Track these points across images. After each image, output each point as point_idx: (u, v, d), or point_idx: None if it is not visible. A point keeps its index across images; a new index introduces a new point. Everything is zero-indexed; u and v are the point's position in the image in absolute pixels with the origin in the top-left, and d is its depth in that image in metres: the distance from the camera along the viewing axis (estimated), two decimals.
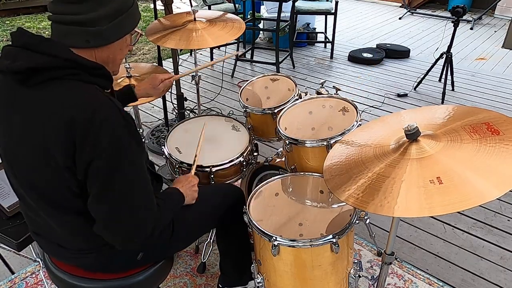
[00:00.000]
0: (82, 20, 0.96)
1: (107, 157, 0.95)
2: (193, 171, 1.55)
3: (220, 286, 1.67)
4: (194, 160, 1.59)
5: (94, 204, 1.00)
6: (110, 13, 0.99)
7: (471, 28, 5.87)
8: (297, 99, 1.81)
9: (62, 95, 0.95)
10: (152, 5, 7.23)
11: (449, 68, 3.71)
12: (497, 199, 0.81)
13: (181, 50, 4.87)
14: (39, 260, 1.83)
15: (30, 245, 1.59)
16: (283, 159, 1.82)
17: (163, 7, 2.54)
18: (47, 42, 0.96)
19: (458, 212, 2.34)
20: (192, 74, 2.36)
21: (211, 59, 4.74)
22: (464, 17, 4.21)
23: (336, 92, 1.86)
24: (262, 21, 5.16)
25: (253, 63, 4.75)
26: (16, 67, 0.93)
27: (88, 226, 1.09)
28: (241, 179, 1.86)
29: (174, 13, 2.39)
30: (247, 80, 2.15)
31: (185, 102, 2.79)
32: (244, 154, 1.73)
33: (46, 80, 0.95)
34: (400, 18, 6.53)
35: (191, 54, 4.89)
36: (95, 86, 1.00)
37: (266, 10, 5.36)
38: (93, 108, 0.94)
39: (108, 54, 1.06)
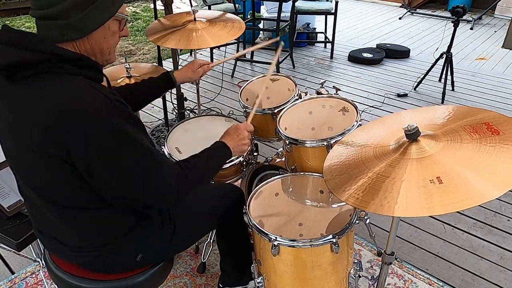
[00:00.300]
0: (53, 14, 0.95)
1: (105, 149, 0.93)
2: (249, 118, 1.49)
3: (221, 286, 1.67)
4: (254, 106, 1.56)
5: (111, 196, 1.03)
6: (78, 3, 0.95)
7: (471, 28, 5.88)
8: (297, 99, 1.80)
9: (48, 89, 0.94)
10: (152, 5, 7.24)
11: (449, 68, 3.71)
12: (497, 199, 0.81)
13: (181, 50, 4.87)
14: (39, 260, 1.83)
15: (30, 245, 1.59)
16: (283, 159, 1.82)
17: (163, 7, 2.54)
18: (30, 38, 0.96)
19: (458, 212, 2.34)
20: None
21: (211, 59, 4.73)
22: (464, 17, 4.22)
23: (336, 92, 1.86)
24: (262, 21, 5.16)
25: (253, 63, 4.75)
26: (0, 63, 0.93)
27: (91, 224, 1.09)
28: (241, 179, 1.86)
29: (174, 13, 2.40)
30: (247, 80, 2.15)
31: (185, 102, 2.79)
32: (244, 154, 1.73)
33: (31, 75, 0.94)
34: (400, 18, 6.53)
35: (191, 54, 4.89)
36: (81, 77, 0.98)
37: (266, 10, 5.36)
38: (79, 100, 0.92)
39: (91, 45, 1.03)
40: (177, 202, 1.10)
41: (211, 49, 4.75)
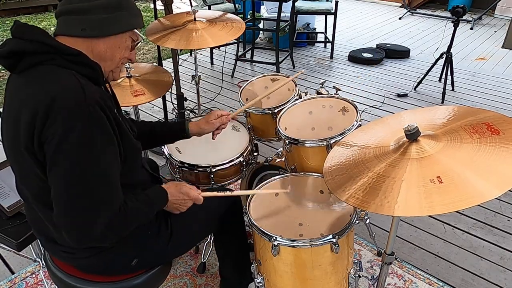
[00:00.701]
0: (77, 8, 1.01)
1: (57, 140, 0.92)
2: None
3: None
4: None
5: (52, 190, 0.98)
6: (104, 4, 1.02)
7: (471, 28, 5.88)
8: (297, 99, 1.81)
9: (39, 80, 0.98)
10: (152, 5, 7.23)
11: (449, 68, 3.71)
12: (497, 199, 0.81)
13: (181, 50, 4.87)
14: (39, 260, 1.83)
15: (30, 245, 1.60)
16: (283, 159, 1.82)
17: (163, 7, 2.54)
18: (30, 29, 1.01)
19: (458, 212, 2.34)
20: (193, 74, 2.36)
21: (211, 59, 4.74)
22: (464, 17, 4.21)
23: (336, 92, 1.86)
24: (262, 21, 5.16)
25: (253, 63, 4.75)
26: (2, 52, 0.98)
27: None
28: (241, 179, 1.86)
29: (174, 13, 2.39)
30: (247, 80, 2.15)
31: (185, 102, 2.79)
32: (244, 154, 1.73)
33: (30, 66, 0.98)
34: (400, 18, 6.53)
35: (191, 54, 4.89)
36: (72, 72, 1.00)
37: (266, 10, 5.36)
38: (56, 92, 0.94)
39: (106, 48, 1.07)
40: (94, 242, 1.02)
41: (211, 49, 4.76)
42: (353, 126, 1.50)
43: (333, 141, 1.47)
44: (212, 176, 1.65)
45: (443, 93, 3.69)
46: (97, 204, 0.98)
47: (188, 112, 3.31)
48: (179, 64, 2.75)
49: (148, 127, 1.48)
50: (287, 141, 1.57)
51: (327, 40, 5.02)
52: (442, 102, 3.68)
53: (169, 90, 2.30)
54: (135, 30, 1.12)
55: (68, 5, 1.02)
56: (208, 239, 1.99)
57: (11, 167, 1.12)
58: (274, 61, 4.15)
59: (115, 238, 1.04)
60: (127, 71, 2.17)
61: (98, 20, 1.02)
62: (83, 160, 0.94)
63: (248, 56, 4.77)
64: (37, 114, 0.92)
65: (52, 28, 5.77)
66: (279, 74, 2.08)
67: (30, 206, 1.14)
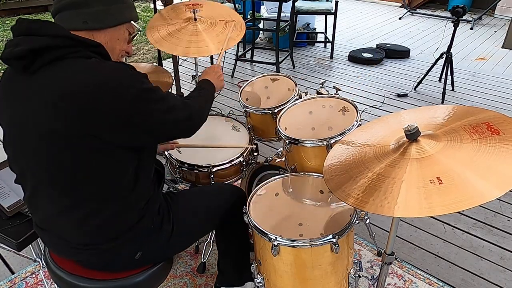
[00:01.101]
0: (76, 2, 1.03)
1: (138, 109, 1.01)
2: (219, 60, 1.78)
3: (218, 285, 1.67)
4: (221, 52, 1.83)
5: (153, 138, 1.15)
6: None
7: (471, 28, 5.88)
8: (297, 99, 1.80)
9: (67, 72, 0.98)
10: (152, 5, 7.23)
11: (449, 68, 3.71)
12: (497, 199, 0.81)
13: None
14: (39, 260, 1.83)
15: (30, 245, 1.59)
16: (283, 159, 1.82)
17: (163, 7, 2.53)
18: (48, 24, 1.01)
19: (458, 212, 2.34)
20: (193, 74, 2.35)
21: (211, 59, 4.73)
22: (464, 17, 4.21)
23: (336, 92, 1.86)
24: (262, 21, 5.16)
25: (253, 63, 4.75)
26: (18, 52, 0.96)
27: (93, 219, 1.10)
28: (241, 179, 1.86)
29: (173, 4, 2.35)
30: (247, 80, 2.15)
31: None
32: (244, 154, 1.73)
33: (49, 62, 0.98)
34: (400, 18, 6.53)
35: None
36: (96, 59, 1.03)
37: (266, 10, 5.36)
38: (104, 73, 0.99)
39: (106, 40, 1.11)
40: (197, 123, 1.24)
41: None
42: (353, 126, 1.50)
43: (333, 141, 1.47)
44: (212, 176, 1.65)
45: (443, 93, 3.69)
46: (179, 108, 1.18)
47: None
48: (179, 64, 2.74)
49: None
50: (287, 141, 1.57)
51: (327, 40, 5.02)
52: (442, 102, 3.68)
53: (169, 90, 2.30)
54: (132, 22, 1.17)
55: (66, 1, 1.04)
56: (208, 239, 1.99)
57: (13, 168, 1.11)
58: (274, 61, 4.15)
59: (202, 111, 1.31)
60: None
61: (98, 12, 1.05)
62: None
63: (248, 56, 4.77)
64: (91, 97, 0.96)
65: None
66: (279, 74, 2.08)
67: (37, 198, 1.14)
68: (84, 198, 1.08)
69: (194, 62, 2.36)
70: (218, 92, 1.57)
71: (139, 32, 1.23)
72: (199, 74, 2.35)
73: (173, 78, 2.29)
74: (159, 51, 2.92)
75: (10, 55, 0.98)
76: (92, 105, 0.96)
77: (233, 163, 1.69)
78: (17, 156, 1.11)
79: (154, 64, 2.74)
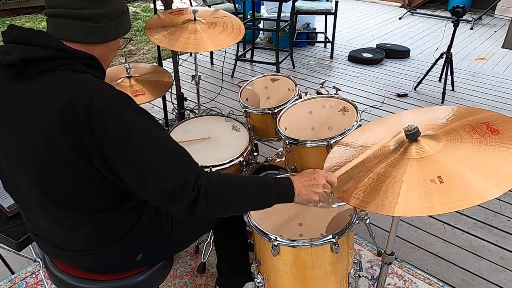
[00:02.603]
0: (88, 15, 1.00)
1: (116, 134, 0.93)
2: (338, 172, 1.11)
3: (217, 287, 1.67)
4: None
5: (133, 183, 0.98)
6: (110, 12, 1.03)
7: (471, 28, 5.88)
8: (297, 99, 1.81)
9: (58, 84, 0.95)
10: (152, 5, 7.23)
11: (449, 68, 3.71)
12: (497, 199, 0.81)
13: None
14: (39, 260, 1.83)
15: (30, 245, 1.59)
16: (283, 159, 1.82)
17: (163, 7, 2.54)
18: (39, 35, 0.98)
19: (458, 212, 2.34)
20: (193, 74, 2.36)
21: (211, 59, 4.74)
22: (464, 17, 4.21)
23: (336, 92, 1.86)
24: (262, 21, 5.16)
25: (253, 63, 4.75)
26: (9, 60, 0.94)
27: (88, 225, 1.09)
28: None
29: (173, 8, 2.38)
30: (247, 80, 2.15)
31: (185, 102, 2.79)
32: (244, 154, 1.73)
33: (41, 72, 0.96)
34: (400, 18, 6.53)
35: (191, 55, 4.89)
36: (89, 75, 1.00)
37: (266, 10, 5.36)
38: (91, 94, 0.93)
39: (104, 52, 1.09)
40: (199, 210, 0.98)
41: None
42: (353, 126, 1.50)
43: (333, 141, 1.47)
44: None
45: (443, 93, 3.69)
46: (175, 164, 0.99)
47: (188, 112, 3.31)
48: (179, 64, 2.74)
49: None
50: (287, 141, 1.57)
51: (327, 40, 5.02)
52: (442, 102, 3.68)
53: (169, 90, 2.30)
54: None
55: (71, 10, 0.98)
56: (208, 239, 1.99)
57: (8, 174, 1.10)
58: (274, 61, 4.15)
59: (222, 200, 1.02)
60: (127, 71, 2.17)
61: (102, 28, 1.03)
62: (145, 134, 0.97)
63: (248, 56, 4.77)
64: (74, 116, 0.91)
65: None
66: (279, 74, 2.08)
67: (29, 211, 1.13)
68: (76, 206, 1.05)
69: (194, 62, 2.36)
70: (298, 200, 1.10)
71: (130, 41, 1.22)
72: (199, 74, 2.36)
73: (173, 78, 2.29)
74: (159, 51, 2.92)
75: (0, 62, 0.95)
76: (75, 123, 0.92)
77: (233, 163, 1.69)
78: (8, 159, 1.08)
79: (154, 64, 2.74)
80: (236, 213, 1.16)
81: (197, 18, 2.07)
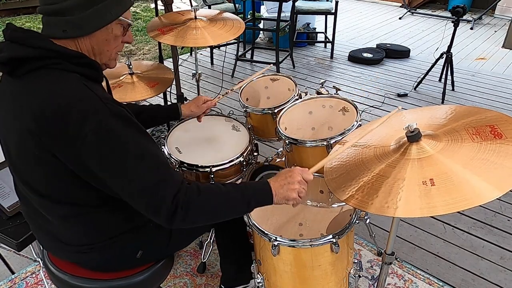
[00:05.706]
0: (58, 10, 0.98)
1: (94, 144, 0.92)
2: (313, 169, 1.18)
3: (222, 286, 1.67)
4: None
5: (113, 186, 0.98)
6: (81, 3, 0.98)
7: (471, 28, 5.88)
8: (297, 99, 1.80)
9: (43, 85, 0.96)
10: (152, 5, 7.23)
11: (449, 68, 3.71)
12: (497, 199, 0.81)
13: (182, 48, 4.87)
14: (39, 260, 1.83)
15: (30, 245, 1.59)
16: (283, 159, 1.82)
17: (163, 7, 2.54)
18: (29, 35, 0.99)
19: (458, 212, 2.34)
20: (194, 72, 2.36)
21: (211, 59, 4.74)
22: (464, 17, 4.21)
23: (336, 92, 1.86)
24: (262, 21, 5.16)
25: (253, 63, 4.74)
26: (1, 58, 0.96)
27: (90, 220, 1.10)
28: (241, 179, 1.86)
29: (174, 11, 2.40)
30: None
31: (185, 102, 2.79)
32: (244, 154, 1.73)
33: (29, 71, 0.97)
34: (400, 18, 6.53)
35: (191, 54, 4.89)
36: (76, 75, 0.98)
37: (266, 10, 5.36)
38: (70, 99, 0.93)
39: (92, 45, 1.04)
40: (179, 221, 0.98)
41: (211, 49, 4.75)
42: (353, 126, 1.50)
43: (333, 141, 1.47)
44: (212, 176, 1.65)
45: (443, 93, 3.69)
46: (153, 175, 0.97)
47: None
48: (179, 64, 2.75)
49: (141, 108, 1.54)
50: (287, 141, 1.57)
51: (327, 40, 5.02)
52: (442, 102, 3.68)
53: (170, 90, 2.31)
54: (121, 17, 1.06)
55: (44, 6, 0.99)
56: (208, 239, 1.99)
57: (10, 167, 1.11)
58: (274, 61, 4.15)
59: (201, 213, 1.02)
60: (128, 67, 2.18)
61: (76, 19, 0.98)
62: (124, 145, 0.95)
63: (248, 56, 4.77)
64: (50, 120, 0.92)
65: None
66: (279, 74, 2.08)
67: (29, 205, 1.14)
68: (71, 201, 1.05)
69: (194, 62, 2.36)
70: (277, 200, 1.10)
71: (131, 23, 1.11)
72: (199, 72, 2.36)
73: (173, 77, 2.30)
74: (160, 50, 2.92)
75: None
76: (51, 126, 0.92)
77: (233, 163, 1.69)
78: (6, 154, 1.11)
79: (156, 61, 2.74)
80: (217, 221, 1.18)
81: (197, 17, 2.08)
